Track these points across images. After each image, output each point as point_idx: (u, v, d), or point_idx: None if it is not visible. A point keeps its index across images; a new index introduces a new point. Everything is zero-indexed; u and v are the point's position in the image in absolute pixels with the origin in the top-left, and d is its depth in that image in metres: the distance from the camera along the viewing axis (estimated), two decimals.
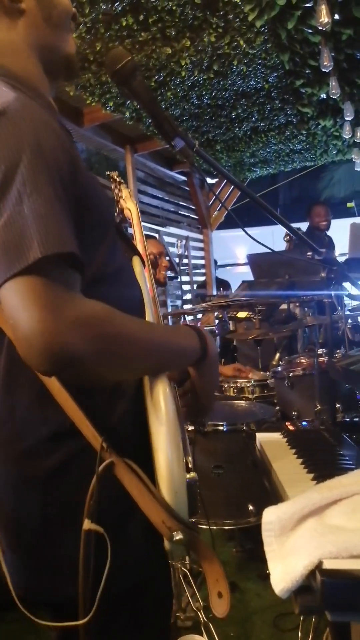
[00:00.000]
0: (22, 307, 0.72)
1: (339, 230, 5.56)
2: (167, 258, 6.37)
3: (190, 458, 0.92)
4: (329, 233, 5.45)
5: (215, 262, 7.86)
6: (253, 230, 1.41)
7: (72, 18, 1.05)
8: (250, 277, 4.86)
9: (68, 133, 0.97)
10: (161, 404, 0.87)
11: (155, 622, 0.99)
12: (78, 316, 0.73)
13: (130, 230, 1.45)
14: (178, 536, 0.81)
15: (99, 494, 0.83)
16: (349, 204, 13.36)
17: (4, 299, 0.74)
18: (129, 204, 1.51)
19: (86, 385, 0.87)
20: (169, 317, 5.07)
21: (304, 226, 5.30)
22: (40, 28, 0.98)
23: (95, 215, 0.91)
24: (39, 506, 0.88)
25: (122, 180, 1.56)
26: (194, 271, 7.18)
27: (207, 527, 2.49)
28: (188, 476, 0.86)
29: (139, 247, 1.34)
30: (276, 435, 1.59)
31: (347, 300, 3.52)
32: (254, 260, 4.61)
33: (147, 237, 3.46)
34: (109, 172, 1.56)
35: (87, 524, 0.83)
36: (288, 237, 4.42)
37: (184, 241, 6.83)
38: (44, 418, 0.88)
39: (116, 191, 1.55)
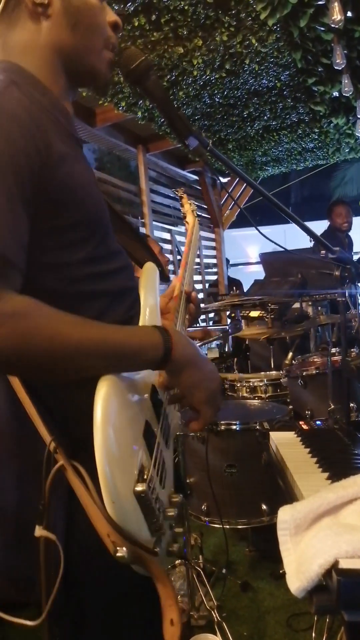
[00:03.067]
0: None
1: (352, 229, 5.53)
2: (179, 257, 6.39)
3: (152, 467, 0.87)
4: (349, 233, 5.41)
5: (228, 261, 7.85)
6: (265, 229, 1.41)
7: (114, 29, 1.05)
8: (262, 276, 4.85)
9: (65, 129, 0.95)
10: (97, 409, 0.78)
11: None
12: (1, 312, 0.72)
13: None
14: (119, 553, 0.77)
15: (49, 499, 0.81)
16: None
17: None
18: (188, 218, 1.53)
19: (39, 384, 0.87)
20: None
21: (316, 225, 5.27)
22: (64, 34, 0.98)
23: (75, 214, 0.90)
24: (14, 506, 0.86)
25: (183, 195, 1.59)
26: (205, 270, 7.18)
27: (220, 526, 2.50)
28: (138, 488, 0.80)
29: (183, 259, 1.34)
30: (290, 434, 1.58)
31: None
32: (267, 259, 4.60)
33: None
34: (174, 190, 1.62)
35: (38, 531, 0.81)
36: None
37: None
38: (15, 415, 0.88)
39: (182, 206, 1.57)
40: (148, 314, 1.06)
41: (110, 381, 0.82)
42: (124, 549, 0.77)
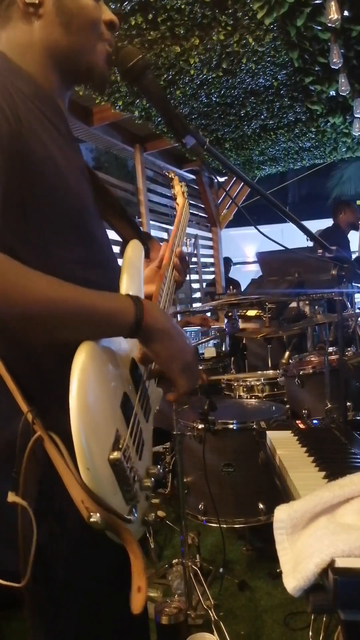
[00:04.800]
0: None
1: None
2: None
3: (128, 437, 0.88)
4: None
5: (230, 260, 7.83)
6: (262, 229, 1.41)
7: (109, 27, 1.04)
8: (259, 275, 4.86)
9: (51, 123, 0.96)
10: (74, 374, 0.79)
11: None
12: None
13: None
14: (93, 519, 0.78)
15: (25, 467, 0.83)
16: (359, 202, 13.29)
17: None
18: (178, 199, 1.53)
19: (15, 355, 0.87)
20: (178, 315, 5.08)
21: (313, 224, 5.28)
22: (57, 33, 0.98)
23: (49, 197, 0.90)
24: None
25: (174, 177, 1.59)
26: (203, 269, 7.18)
27: (218, 525, 2.50)
28: (112, 455, 0.82)
29: (170, 241, 1.34)
30: (287, 434, 1.59)
31: (358, 298, 3.51)
32: (264, 258, 4.61)
33: None
34: (166, 172, 1.62)
35: (11, 497, 0.83)
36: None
37: (193, 240, 6.83)
38: None
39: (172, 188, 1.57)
40: (125, 284, 1.06)
41: (89, 349, 0.83)
42: (97, 514, 0.78)
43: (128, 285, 1.06)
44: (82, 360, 0.81)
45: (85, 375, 0.80)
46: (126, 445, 0.87)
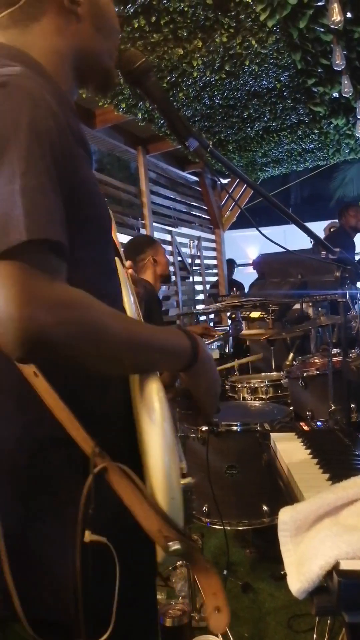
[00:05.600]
0: (0, 289, 0.69)
1: None
2: (180, 259, 6.40)
3: (184, 464, 0.88)
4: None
5: (234, 262, 7.84)
6: (264, 230, 1.41)
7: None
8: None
9: (76, 128, 0.93)
10: (155, 405, 0.82)
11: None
12: (55, 301, 0.71)
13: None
14: (175, 546, 0.77)
15: (95, 503, 0.78)
16: None
17: None
18: None
19: (73, 387, 0.84)
20: (181, 317, 5.07)
21: (316, 226, 5.28)
22: (89, 35, 0.97)
23: (91, 210, 0.88)
24: (22, 522, 0.83)
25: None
26: (206, 271, 7.18)
27: (221, 527, 2.50)
28: (183, 482, 0.82)
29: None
30: (291, 435, 1.58)
31: None
32: (265, 260, 4.60)
33: None
34: None
35: (88, 536, 0.78)
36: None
37: (196, 241, 6.84)
38: (28, 423, 0.85)
39: None
40: (125, 297, 1.06)
41: (157, 380, 0.85)
42: (177, 542, 0.77)
43: (127, 298, 1.06)
44: (157, 388, 0.83)
45: (163, 406, 0.82)
46: (184, 469, 0.87)
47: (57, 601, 0.82)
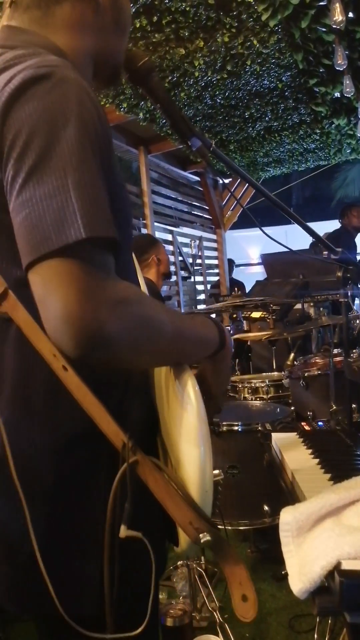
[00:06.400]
0: (58, 288, 0.69)
1: None
2: (181, 259, 6.40)
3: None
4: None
5: (233, 262, 7.85)
6: (266, 230, 1.41)
7: None
8: (263, 277, 4.85)
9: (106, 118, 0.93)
10: (192, 398, 0.82)
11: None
12: (113, 297, 0.71)
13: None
14: (206, 538, 0.78)
15: (130, 497, 0.78)
16: None
17: (39, 275, 0.70)
18: None
19: (100, 381, 0.82)
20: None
21: (318, 226, 5.28)
22: (108, 29, 0.96)
23: (121, 204, 0.87)
24: (47, 522, 0.83)
25: None
26: (207, 271, 7.18)
27: (223, 527, 2.49)
28: (217, 475, 0.85)
29: None
30: (292, 436, 1.58)
31: None
32: (267, 260, 4.61)
33: None
34: None
35: (123, 531, 0.77)
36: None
37: (197, 241, 6.84)
38: (51, 422, 0.84)
39: None
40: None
41: (191, 372, 0.86)
42: (207, 534, 0.78)
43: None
44: (192, 380, 0.83)
45: (198, 397, 0.82)
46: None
47: (87, 596, 0.83)
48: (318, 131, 5.18)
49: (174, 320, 0.82)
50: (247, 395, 3.27)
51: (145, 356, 0.80)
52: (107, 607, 0.80)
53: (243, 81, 4.03)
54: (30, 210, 0.70)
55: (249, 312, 3.95)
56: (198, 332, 0.89)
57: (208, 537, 0.78)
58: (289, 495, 1.19)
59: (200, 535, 0.78)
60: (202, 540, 0.78)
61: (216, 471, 0.84)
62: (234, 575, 0.83)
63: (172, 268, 5.84)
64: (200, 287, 6.97)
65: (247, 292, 5.57)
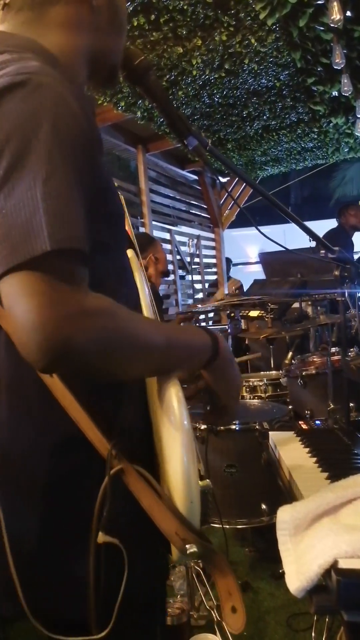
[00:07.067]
0: (23, 300, 0.68)
1: None
2: (179, 257, 6.39)
3: (201, 465, 0.90)
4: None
5: (230, 260, 7.85)
6: (264, 229, 1.41)
7: None
8: (262, 276, 4.86)
9: (94, 122, 0.92)
10: (175, 408, 0.81)
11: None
12: (80, 309, 0.70)
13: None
14: (192, 549, 0.77)
15: (109, 504, 0.78)
16: None
17: (7, 286, 0.70)
18: None
19: (90, 389, 0.83)
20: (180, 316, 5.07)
21: (316, 225, 5.28)
22: (104, 30, 0.95)
23: (112, 208, 0.87)
24: (38, 523, 0.83)
25: None
26: (205, 270, 7.18)
27: (220, 526, 2.50)
28: (201, 484, 0.83)
29: None
30: (289, 434, 1.58)
31: None
32: (266, 259, 4.61)
33: None
34: None
35: (101, 537, 0.78)
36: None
37: (195, 240, 6.84)
38: (45, 425, 0.84)
39: None
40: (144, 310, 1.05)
41: (177, 383, 0.84)
42: (193, 545, 0.77)
43: (142, 295, 1.05)
44: (175, 388, 0.83)
45: (182, 407, 0.81)
46: (202, 470, 0.87)
47: (71, 599, 0.83)
48: (316, 130, 5.18)
49: (152, 330, 0.81)
50: (245, 394, 3.27)
51: (121, 367, 0.78)
52: (91, 611, 0.79)
53: (241, 80, 4.02)
54: (1, 221, 0.70)
55: (247, 311, 3.95)
56: (184, 341, 0.87)
57: (194, 549, 0.77)
58: (287, 494, 1.19)
59: (187, 546, 0.77)
60: (188, 552, 0.77)
61: (204, 482, 0.83)
62: (224, 586, 0.82)
63: (170, 267, 5.83)
64: (198, 286, 6.97)
65: (245, 291, 5.57)
